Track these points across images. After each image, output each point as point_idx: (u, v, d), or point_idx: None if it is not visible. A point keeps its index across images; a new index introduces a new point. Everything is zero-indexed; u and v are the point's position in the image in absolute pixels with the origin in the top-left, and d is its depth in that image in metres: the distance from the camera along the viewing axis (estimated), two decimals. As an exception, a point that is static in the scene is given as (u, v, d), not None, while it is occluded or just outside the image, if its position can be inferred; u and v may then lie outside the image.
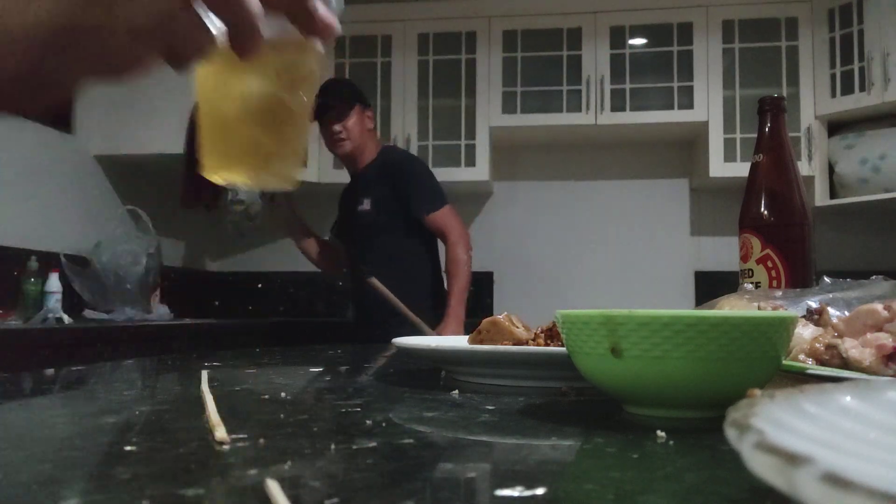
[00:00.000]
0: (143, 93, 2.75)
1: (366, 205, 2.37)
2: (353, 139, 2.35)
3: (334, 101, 2.30)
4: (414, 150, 3.12)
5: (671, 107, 3.17)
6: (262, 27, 0.40)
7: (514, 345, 0.64)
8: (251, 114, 0.45)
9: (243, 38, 0.40)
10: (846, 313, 0.57)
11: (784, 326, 0.41)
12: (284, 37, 0.43)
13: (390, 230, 2.35)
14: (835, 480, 0.15)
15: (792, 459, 0.17)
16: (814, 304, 0.62)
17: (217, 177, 0.46)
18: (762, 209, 0.87)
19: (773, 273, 0.85)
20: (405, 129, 3.26)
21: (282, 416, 0.45)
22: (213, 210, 3.56)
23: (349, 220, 2.46)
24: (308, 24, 0.42)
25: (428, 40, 3.30)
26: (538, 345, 0.64)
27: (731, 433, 0.21)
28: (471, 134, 3.21)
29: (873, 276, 0.67)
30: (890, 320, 0.48)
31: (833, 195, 3.04)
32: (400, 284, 2.25)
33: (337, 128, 2.32)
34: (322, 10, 0.42)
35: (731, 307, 0.65)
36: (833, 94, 3.02)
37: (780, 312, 0.43)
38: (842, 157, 2.99)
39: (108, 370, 0.82)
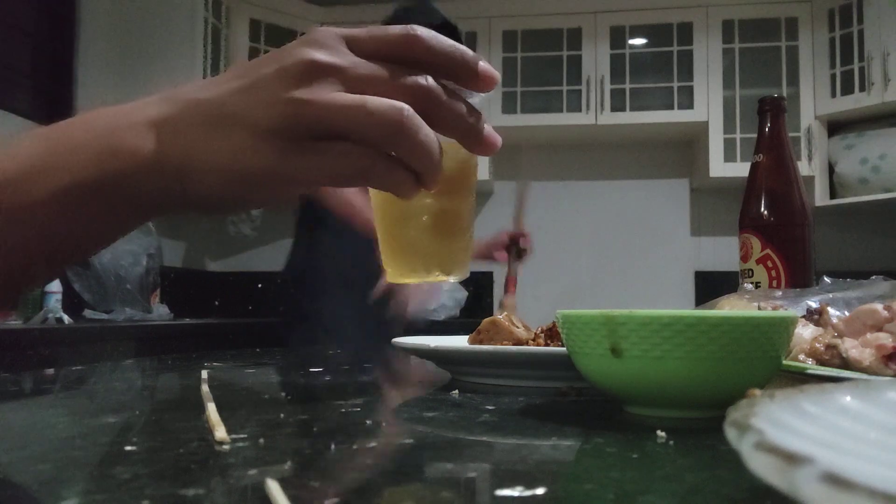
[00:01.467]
0: (144, 92, 2.75)
1: None
2: None
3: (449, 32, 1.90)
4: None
5: (671, 107, 3.17)
6: (440, 167, 0.42)
7: (514, 345, 0.64)
8: (428, 226, 0.50)
9: (426, 179, 0.42)
10: (846, 313, 0.57)
11: (784, 326, 0.41)
12: (455, 156, 0.47)
13: None
14: (835, 480, 0.15)
15: (792, 459, 0.17)
16: (814, 304, 0.61)
17: (401, 280, 0.52)
18: (762, 209, 0.87)
19: (773, 273, 0.85)
20: (405, 129, 3.26)
21: (282, 416, 0.45)
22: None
23: None
24: (476, 144, 0.44)
25: (428, 40, 3.30)
26: (538, 345, 0.64)
27: (731, 433, 0.21)
28: (471, 134, 3.21)
29: (873, 276, 0.67)
30: (890, 320, 0.48)
31: (833, 195, 3.04)
32: None
33: None
34: (489, 131, 0.44)
35: (731, 307, 0.65)
36: (833, 94, 3.02)
37: (780, 312, 0.43)
38: (842, 157, 2.99)
39: (108, 370, 0.82)
